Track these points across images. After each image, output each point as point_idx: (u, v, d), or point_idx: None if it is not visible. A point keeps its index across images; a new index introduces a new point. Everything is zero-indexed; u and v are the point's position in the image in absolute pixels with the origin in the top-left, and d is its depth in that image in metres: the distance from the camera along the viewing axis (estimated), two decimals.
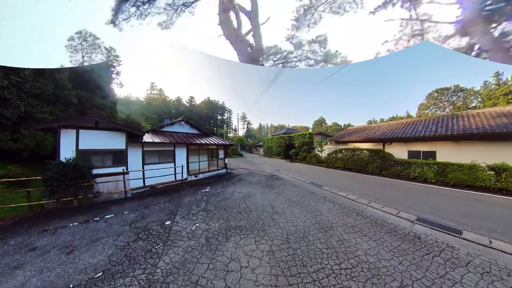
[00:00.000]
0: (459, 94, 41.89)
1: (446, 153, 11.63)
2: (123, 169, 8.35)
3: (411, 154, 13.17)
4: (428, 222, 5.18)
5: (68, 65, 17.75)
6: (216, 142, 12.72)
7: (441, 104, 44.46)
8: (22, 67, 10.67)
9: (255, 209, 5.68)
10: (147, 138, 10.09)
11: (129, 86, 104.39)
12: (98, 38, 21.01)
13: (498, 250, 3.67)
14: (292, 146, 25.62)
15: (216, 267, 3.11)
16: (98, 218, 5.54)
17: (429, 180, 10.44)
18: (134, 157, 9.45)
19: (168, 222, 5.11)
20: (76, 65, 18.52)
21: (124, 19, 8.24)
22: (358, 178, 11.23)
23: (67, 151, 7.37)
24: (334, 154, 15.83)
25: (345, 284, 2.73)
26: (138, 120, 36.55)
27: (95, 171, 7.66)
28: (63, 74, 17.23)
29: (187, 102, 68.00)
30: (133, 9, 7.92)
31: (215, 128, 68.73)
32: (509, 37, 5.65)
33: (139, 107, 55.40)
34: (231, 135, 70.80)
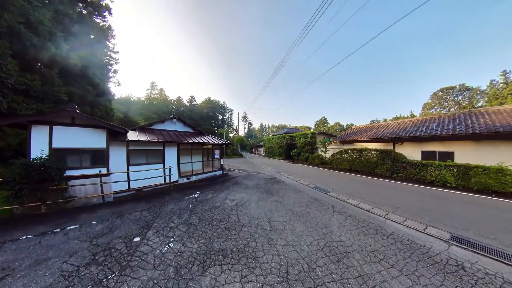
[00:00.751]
0: (464, 93, 40.76)
1: (466, 154, 10.42)
2: (100, 171, 7.32)
3: (426, 155, 11.96)
4: (466, 242, 4.07)
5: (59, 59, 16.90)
6: (211, 141, 11.67)
7: (446, 103, 43.48)
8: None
9: (248, 223, 4.57)
10: (133, 136, 9.07)
11: (131, 86, 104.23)
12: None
13: None
14: (294, 146, 24.47)
15: None
16: (58, 230, 4.63)
17: (448, 184, 9.26)
18: (118, 157, 8.47)
19: (137, 239, 4.08)
20: (68, 60, 17.62)
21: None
22: (368, 182, 10.06)
23: (39, 150, 6.43)
24: (339, 155, 14.66)
25: None
26: (136, 119, 35.82)
27: (71, 173, 6.82)
28: (53, 70, 16.34)
29: (188, 102, 67.24)
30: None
31: (215, 128, 67.82)
32: None
33: (139, 107, 54.82)
34: (232, 135, 69.81)
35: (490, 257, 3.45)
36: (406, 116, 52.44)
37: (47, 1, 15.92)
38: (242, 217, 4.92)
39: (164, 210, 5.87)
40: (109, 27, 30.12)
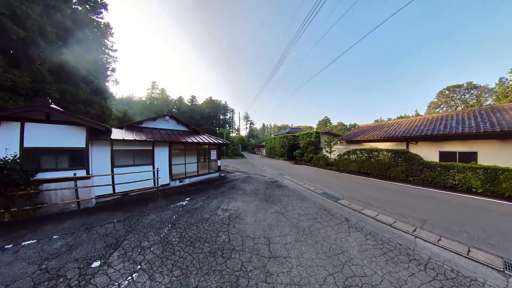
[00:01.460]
0: (472, 91, 39.27)
1: (491, 155, 9.23)
2: (74, 174, 6.39)
3: (444, 156, 10.77)
4: None
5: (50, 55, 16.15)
6: (207, 141, 10.68)
7: (453, 102, 42.15)
8: None
9: (240, 246, 3.54)
10: (118, 135, 8.14)
11: (133, 87, 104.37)
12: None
13: None
14: (297, 146, 23.36)
15: None
16: (11, 246, 3.80)
17: (473, 189, 8.11)
18: (101, 158, 7.60)
19: (96, 264, 3.17)
20: (60, 57, 16.88)
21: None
22: (381, 186, 8.94)
23: (8, 150, 5.61)
24: (347, 156, 13.53)
25: None
26: (136, 119, 35.12)
27: (45, 175, 6.08)
28: (43, 66, 15.59)
29: (189, 102, 66.55)
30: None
31: (217, 128, 66.96)
32: None
33: (139, 107, 54.37)
34: (233, 135, 68.90)
35: None
36: (410, 115, 50.87)
37: None
38: (233, 236, 3.88)
39: (143, 221, 4.89)
40: (108, 24, 29.54)
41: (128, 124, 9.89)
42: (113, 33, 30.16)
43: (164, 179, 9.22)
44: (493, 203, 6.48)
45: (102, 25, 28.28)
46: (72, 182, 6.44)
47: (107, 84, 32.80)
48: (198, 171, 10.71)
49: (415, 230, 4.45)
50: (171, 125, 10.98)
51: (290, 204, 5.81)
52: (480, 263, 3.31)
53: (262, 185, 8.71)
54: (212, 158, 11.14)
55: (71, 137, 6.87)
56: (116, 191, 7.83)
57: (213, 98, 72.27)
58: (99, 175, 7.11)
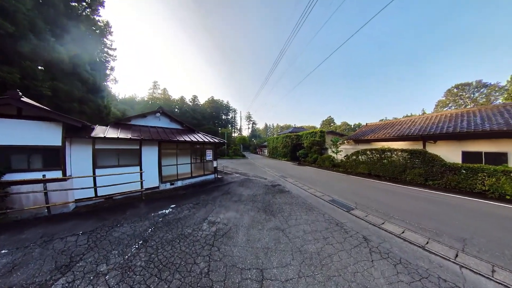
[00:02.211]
0: (481, 90, 37.47)
1: None
2: (43, 175, 5.56)
3: (468, 156, 9.56)
4: None
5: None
6: (201, 140, 9.73)
7: (462, 101, 40.43)
8: None
9: (222, 282, 2.53)
10: (101, 132, 7.29)
11: (136, 87, 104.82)
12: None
13: None
14: (300, 146, 22.23)
15: None
16: None
17: (508, 196, 6.90)
18: (81, 158, 6.76)
19: None
20: (53, 54, 16.25)
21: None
22: (397, 192, 7.80)
23: None
24: (355, 156, 12.37)
25: None
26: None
27: (14, 177, 5.41)
28: (35, 63, 14.96)
29: (190, 101, 66.05)
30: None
31: (219, 128, 66.24)
32: None
33: (141, 107, 54.11)
34: (235, 134, 68.05)
35: None
36: (417, 115, 49.01)
37: None
38: (215, 264, 2.88)
39: (112, 234, 3.99)
40: (107, 23, 29.12)
41: (114, 121, 9.03)
42: (112, 32, 29.69)
43: (152, 181, 8.34)
44: None
45: (101, 24, 27.85)
46: (49, 185, 5.68)
47: (107, 83, 32.49)
48: (191, 172, 9.77)
49: (457, 256, 3.37)
50: (163, 122, 10.09)
51: (293, 216, 4.76)
52: None
53: (261, 189, 7.68)
54: (207, 158, 10.19)
55: (45, 134, 6.08)
56: (98, 194, 7.02)
57: (215, 98, 71.61)
58: (79, 177, 6.32)
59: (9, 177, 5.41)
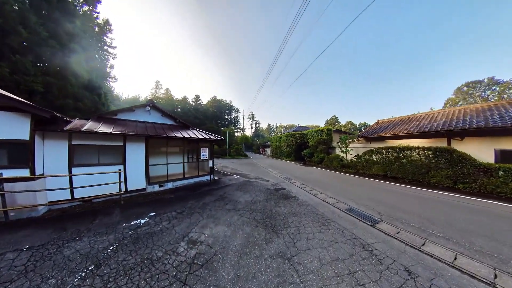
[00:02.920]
0: (493, 87, 35.41)
1: None
2: (0, 173, 4.59)
3: (504, 155, 8.18)
4: None
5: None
6: (195, 137, 8.67)
7: (472, 99, 38.50)
8: None
9: None
10: (78, 125, 6.33)
11: (140, 87, 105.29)
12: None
13: None
14: (305, 145, 20.97)
15: None
16: None
17: None
18: (56, 154, 5.88)
19: None
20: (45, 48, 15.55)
21: None
22: (424, 197, 6.53)
23: None
24: (368, 156, 11.08)
25: None
26: None
27: None
28: (25, 57, 14.24)
29: (193, 101, 65.44)
30: None
31: (222, 128, 65.42)
32: None
33: None
34: (238, 134, 67.08)
35: None
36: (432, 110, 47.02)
37: None
38: None
39: (62, 252, 3.04)
40: (107, 21, 28.60)
41: (98, 115, 8.04)
42: (112, 30, 29.15)
43: (138, 182, 7.33)
44: None
45: (100, 21, 27.31)
46: (14, 185, 4.78)
47: (109, 83, 31.94)
48: (184, 173, 8.72)
49: None
50: (154, 117, 9.08)
51: (303, 234, 3.58)
52: None
53: (262, 194, 6.52)
54: (202, 157, 9.11)
55: (10, 126, 5.13)
56: (76, 196, 6.10)
57: (217, 98, 70.83)
58: (51, 176, 5.42)
59: None
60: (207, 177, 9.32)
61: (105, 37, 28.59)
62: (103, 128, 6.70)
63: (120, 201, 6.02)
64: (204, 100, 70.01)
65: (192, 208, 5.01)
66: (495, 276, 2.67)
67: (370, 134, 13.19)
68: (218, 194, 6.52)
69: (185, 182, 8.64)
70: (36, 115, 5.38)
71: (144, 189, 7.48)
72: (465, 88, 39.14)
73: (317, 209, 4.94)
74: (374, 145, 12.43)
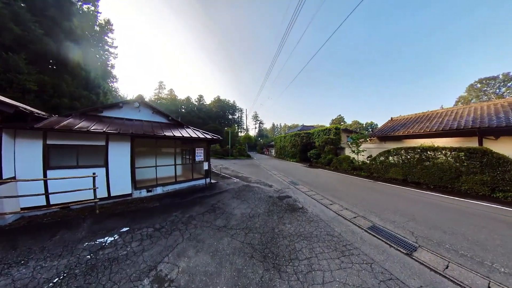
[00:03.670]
0: (508, 84, 33.09)
1: None
2: None
3: None
4: None
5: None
6: (188, 135, 7.73)
7: (486, 96, 36.34)
8: None
9: None
10: (52, 123, 5.51)
11: (145, 88, 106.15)
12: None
13: None
14: (311, 146, 19.76)
15: None
16: None
17: None
18: (28, 155, 5.15)
19: None
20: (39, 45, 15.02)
21: None
22: (462, 210, 5.33)
23: None
24: (384, 157, 9.84)
25: None
26: None
27: None
28: (17, 55, 13.70)
29: (196, 101, 65.07)
30: None
31: (225, 128, 64.76)
32: None
33: None
34: (242, 134, 66.27)
35: None
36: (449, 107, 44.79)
37: None
38: None
39: None
40: (108, 21, 28.30)
41: (81, 111, 7.17)
42: (113, 30, 28.80)
43: (123, 187, 6.46)
44: None
45: (101, 21, 27.00)
46: None
47: (113, 82, 31.58)
48: (176, 177, 7.78)
49: None
50: (143, 115, 8.17)
51: (317, 272, 2.50)
52: None
53: (263, 204, 5.47)
54: (197, 159, 8.14)
55: None
56: (52, 203, 5.37)
57: (221, 98, 70.23)
58: (20, 180, 4.68)
59: None
60: (202, 181, 8.35)
61: (106, 37, 28.27)
62: (82, 126, 5.84)
63: (95, 210, 5.12)
64: (208, 100, 69.63)
65: (174, 223, 4.02)
66: None
67: (385, 133, 11.90)
68: (210, 203, 5.51)
69: (177, 186, 7.69)
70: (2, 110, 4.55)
71: (130, 195, 6.59)
72: (478, 85, 36.99)
73: (332, 228, 3.84)
74: (389, 145, 11.16)
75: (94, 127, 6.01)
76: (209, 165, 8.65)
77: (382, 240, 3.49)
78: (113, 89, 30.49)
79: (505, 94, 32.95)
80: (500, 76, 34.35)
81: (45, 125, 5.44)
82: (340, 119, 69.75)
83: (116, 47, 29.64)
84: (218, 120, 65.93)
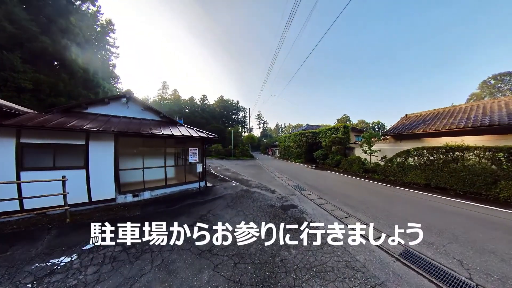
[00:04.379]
0: None
1: None
2: None
3: None
4: None
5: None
6: (179, 134, 6.90)
7: (500, 93, 34.44)
8: None
9: None
10: (27, 120, 4.85)
11: (149, 89, 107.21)
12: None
13: None
14: (317, 145, 18.64)
15: None
16: None
17: None
18: (1, 155, 4.57)
19: None
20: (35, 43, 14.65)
21: None
22: (510, 226, 4.24)
23: None
24: (401, 159, 8.70)
25: None
26: None
27: None
28: (12, 53, 13.34)
29: (199, 101, 64.73)
30: None
31: (228, 128, 64.15)
32: None
33: None
34: (245, 134, 65.46)
35: None
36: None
37: None
38: None
39: None
40: (110, 21, 28.14)
41: (64, 107, 6.46)
42: (115, 30, 28.59)
43: (105, 191, 5.72)
44: None
45: (103, 21, 26.82)
46: None
47: (118, 83, 31.34)
48: (166, 180, 6.96)
49: None
50: (132, 111, 7.41)
51: None
52: None
53: (262, 217, 4.51)
54: (190, 160, 7.29)
55: None
56: (26, 208, 4.78)
57: (224, 98, 69.64)
58: None
59: None
60: (196, 184, 7.49)
61: (107, 37, 28.07)
62: (59, 123, 5.11)
63: (66, 219, 4.38)
64: (211, 100, 69.20)
65: (146, 243, 3.16)
66: None
67: (402, 130, 10.70)
68: (199, 213, 4.62)
69: (168, 191, 6.87)
70: None
71: (114, 200, 5.82)
72: (492, 81, 34.83)
73: (352, 255, 2.85)
74: (406, 145, 10.00)
75: (72, 124, 5.27)
76: (204, 167, 7.80)
77: (423, 275, 2.50)
78: (117, 89, 30.20)
79: None
80: None
81: (17, 121, 4.76)
82: (346, 118, 67.94)
83: (118, 47, 29.44)
84: (221, 120, 65.35)
